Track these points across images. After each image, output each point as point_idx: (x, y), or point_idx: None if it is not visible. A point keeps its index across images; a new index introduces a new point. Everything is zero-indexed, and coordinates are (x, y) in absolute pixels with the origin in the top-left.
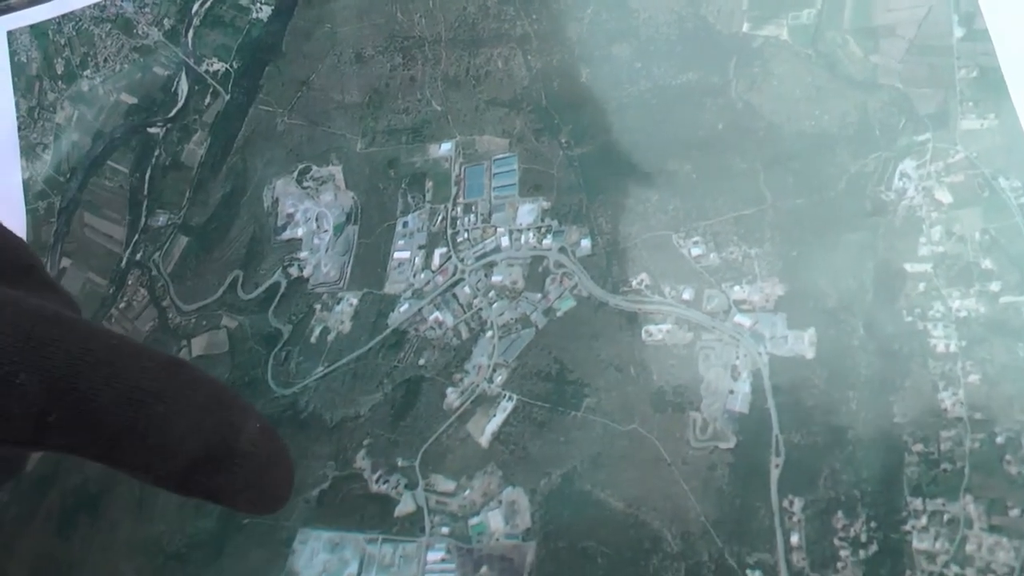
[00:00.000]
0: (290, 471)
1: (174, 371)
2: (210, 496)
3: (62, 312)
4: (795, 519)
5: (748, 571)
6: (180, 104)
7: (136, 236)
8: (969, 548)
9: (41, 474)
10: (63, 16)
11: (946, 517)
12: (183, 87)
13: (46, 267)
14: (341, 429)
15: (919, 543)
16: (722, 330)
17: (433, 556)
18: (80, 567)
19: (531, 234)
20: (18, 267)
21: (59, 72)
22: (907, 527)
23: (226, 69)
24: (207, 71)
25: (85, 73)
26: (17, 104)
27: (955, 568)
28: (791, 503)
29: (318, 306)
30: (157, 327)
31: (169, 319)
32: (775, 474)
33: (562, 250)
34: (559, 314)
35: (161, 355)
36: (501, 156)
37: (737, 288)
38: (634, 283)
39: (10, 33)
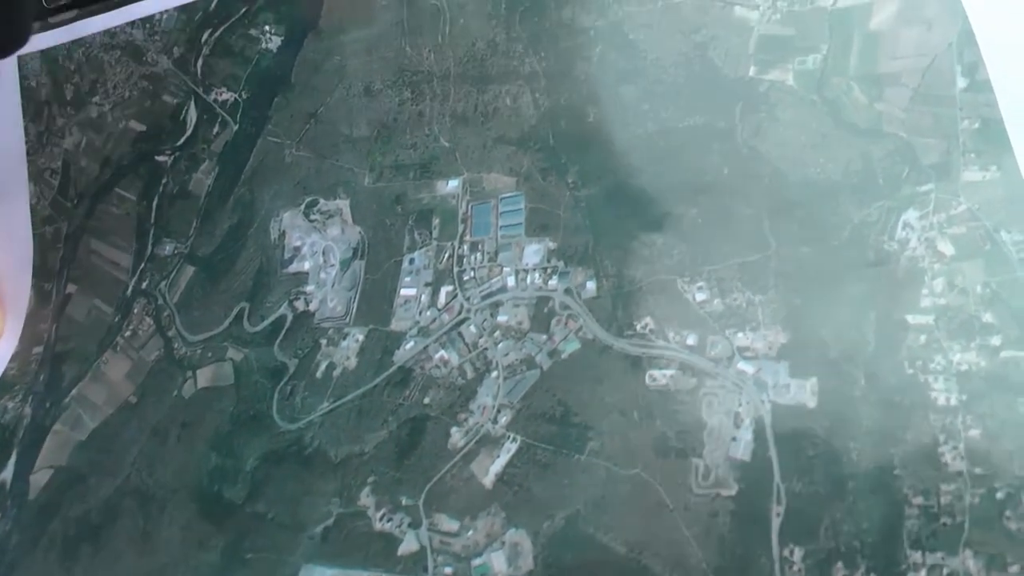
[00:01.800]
0: None
1: None
2: None
3: None
4: (795, 568)
5: None
6: (188, 132)
7: (143, 264)
8: None
9: (44, 503)
10: (73, 42)
11: (946, 571)
12: (192, 116)
13: (52, 292)
14: (346, 466)
15: None
16: (725, 377)
17: None
18: None
19: (537, 274)
20: None
21: (68, 98)
22: None
23: (235, 99)
24: (216, 100)
25: (94, 99)
26: (26, 129)
27: None
28: (792, 552)
29: (324, 341)
30: (163, 356)
31: (175, 349)
32: (776, 523)
33: (568, 291)
34: (564, 356)
35: None
36: (508, 195)
37: (740, 335)
38: (639, 327)
39: (20, 58)
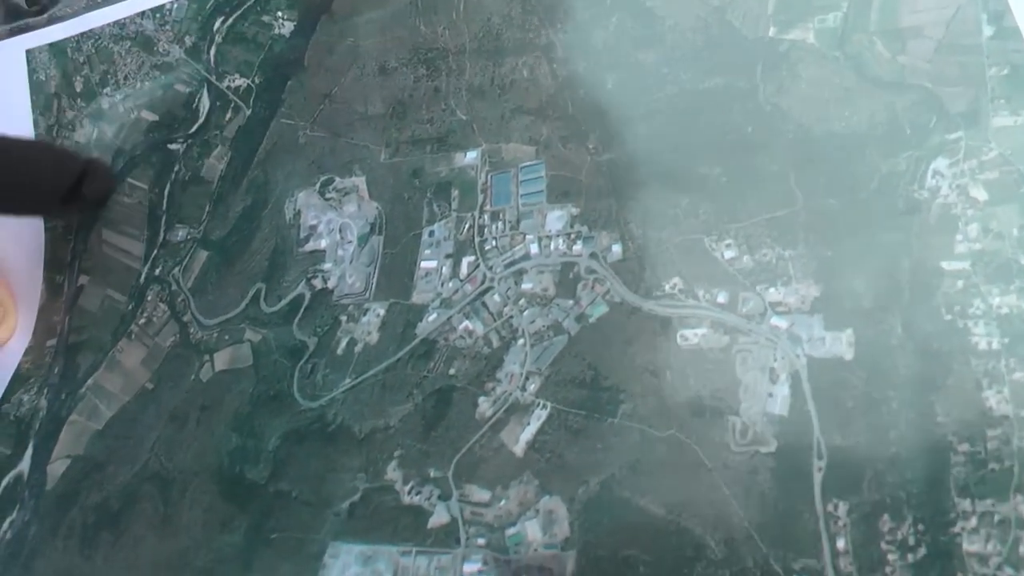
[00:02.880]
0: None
1: None
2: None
3: None
4: (840, 523)
5: None
6: (201, 120)
7: (155, 251)
8: (1023, 550)
9: (62, 492)
10: (82, 34)
11: (996, 518)
12: (204, 103)
13: (64, 284)
14: (371, 441)
15: (969, 545)
16: (758, 333)
17: (470, 568)
18: None
19: (561, 240)
20: None
21: (78, 90)
22: (956, 529)
23: (248, 84)
24: (229, 87)
25: (105, 91)
26: (36, 122)
27: (1009, 570)
28: (836, 507)
29: (344, 317)
30: (178, 342)
31: (191, 334)
32: (818, 477)
33: (593, 256)
34: (592, 320)
35: None
36: (528, 163)
37: (772, 290)
38: (667, 287)
39: (29, 52)
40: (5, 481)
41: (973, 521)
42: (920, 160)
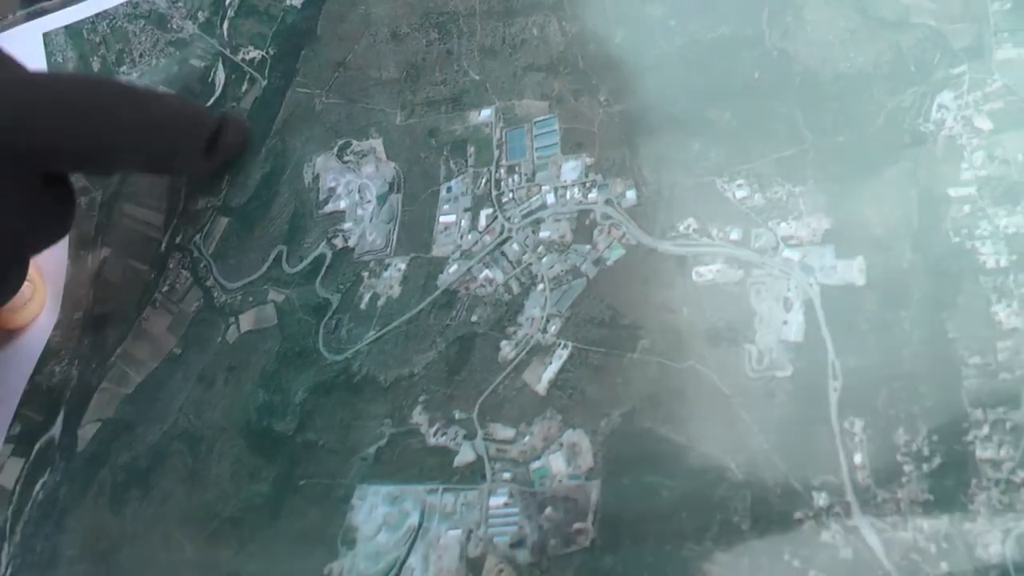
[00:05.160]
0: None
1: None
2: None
3: None
4: (857, 439)
5: (814, 493)
6: (217, 93)
7: (175, 220)
8: None
9: (92, 453)
10: (97, 15)
11: (1009, 425)
12: (220, 76)
13: (87, 259)
14: (396, 388)
15: (983, 452)
16: (771, 265)
17: (495, 501)
18: (132, 539)
19: (576, 190)
20: None
21: (96, 70)
22: (969, 438)
23: (262, 56)
24: (243, 60)
25: (121, 69)
26: None
27: (1021, 473)
28: (852, 424)
29: (366, 274)
30: (203, 307)
31: (215, 298)
32: (834, 397)
33: (608, 202)
34: (609, 263)
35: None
36: (541, 118)
37: (784, 225)
38: (681, 228)
39: (45, 35)
40: (37, 446)
41: (985, 429)
42: (925, 95)
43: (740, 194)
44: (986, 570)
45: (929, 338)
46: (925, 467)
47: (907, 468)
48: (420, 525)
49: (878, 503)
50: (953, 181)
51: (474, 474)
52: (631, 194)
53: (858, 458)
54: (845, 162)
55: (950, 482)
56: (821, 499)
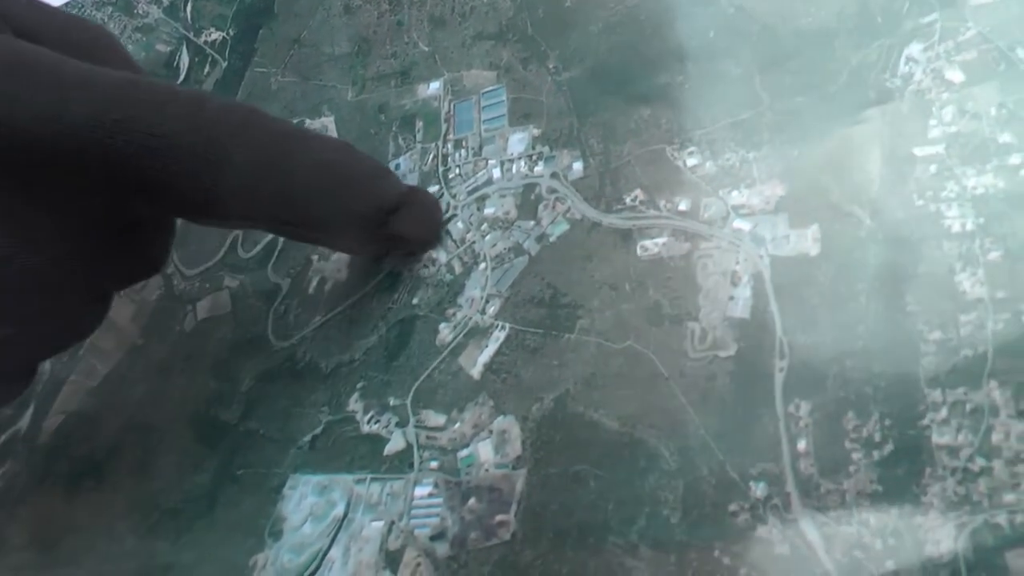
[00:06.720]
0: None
1: None
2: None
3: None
4: (802, 424)
5: (752, 483)
6: (182, 77)
7: None
8: (995, 438)
9: (54, 445)
10: (66, 4)
11: (969, 407)
12: (184, 60)
13: None
14: (336, 375)
15: (939, 437)
16: (720, 237)
17: (420, 491)
18: (77, 530)
19: (522, 163)
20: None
21: None
22: (926, 421)
23: (223, 37)
24: (206, 42)
25: None
26: None
27: (980, 461)
28: (797, 407)
29: (315, 256)
30: (164, 295)
31: (175, 285)
32: (779, 378)
33: (554, 175)
34: (552, 239)
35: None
36: (489, 88)
37: (735, 193)
38: (628, 200)
39: None
40: (3, 438)
41: (943, 412)
42: (892, 48)
43: (691, 162)
44: (936, 569)
45: (886, 311)
46: (875, 454)
47: (855, 456)
48: (345, 516)
49: (821, 494)
50: (920, 139)
51: (402, 463)
52: (578, 166)
53: (802, 444)
54: (804, 124)
55: (902, 471)
56: (759, 490)
